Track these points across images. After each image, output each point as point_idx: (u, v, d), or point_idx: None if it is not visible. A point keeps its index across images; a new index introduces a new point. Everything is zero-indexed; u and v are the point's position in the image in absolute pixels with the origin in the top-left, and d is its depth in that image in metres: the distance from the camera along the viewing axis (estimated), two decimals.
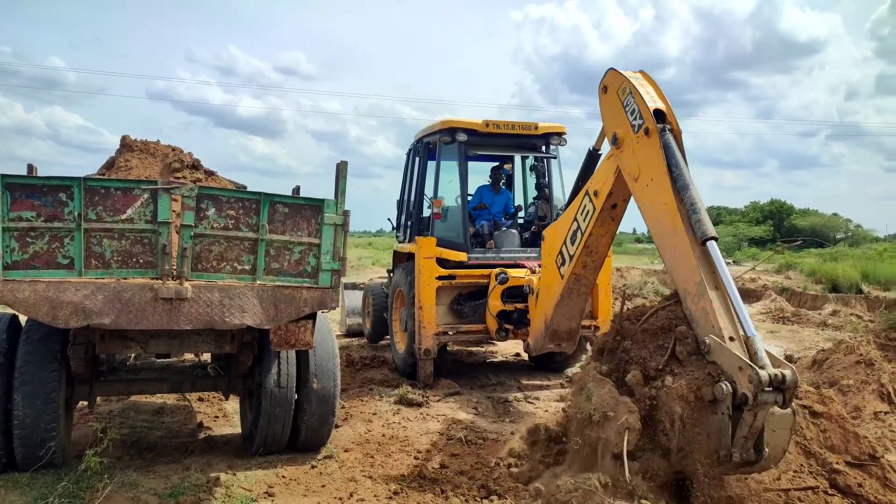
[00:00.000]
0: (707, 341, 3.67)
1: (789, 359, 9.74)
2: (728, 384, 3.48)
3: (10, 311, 4.31)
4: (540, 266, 7.55)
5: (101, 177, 5.08)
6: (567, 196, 8.38)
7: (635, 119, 4.58)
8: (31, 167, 5.22)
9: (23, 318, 4.50)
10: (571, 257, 5.57)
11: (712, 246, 3.92)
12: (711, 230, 3.94)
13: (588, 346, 8.24)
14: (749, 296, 19.76)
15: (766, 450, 3.54)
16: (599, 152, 5.45)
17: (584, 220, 5.33)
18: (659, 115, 4.43)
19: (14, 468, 4.38)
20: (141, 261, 3.98)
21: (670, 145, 4.31)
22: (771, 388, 3.37)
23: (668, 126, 4.39)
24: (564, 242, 5.68)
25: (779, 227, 57.31)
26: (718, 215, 70.59)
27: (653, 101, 4.53)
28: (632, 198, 4.89)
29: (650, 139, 4.41)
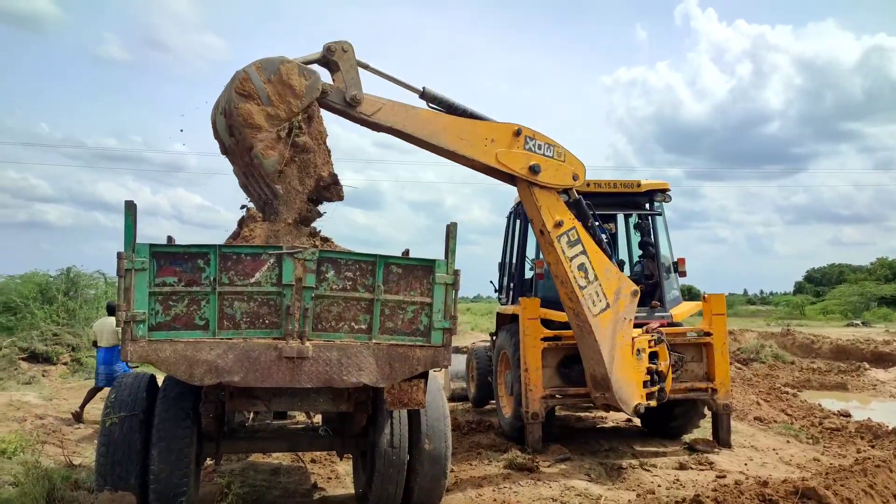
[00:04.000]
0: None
1: None
2: None
3: (150, 370, 4.67)
4: (645, 325, 7.35)
5: (233, 244, 5.47)
6: (675, 255, 8.19)
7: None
8: (170, 238, 5.72)
9: (159, 378, 4.86)
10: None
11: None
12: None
13: (706, 410, 7.81)
14: (884, 360, 18.08)
15: None
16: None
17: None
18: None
19: None
20: (266, 321, 4.23)
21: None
22: None
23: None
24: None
25: None
26: (841, 273, 65.73)
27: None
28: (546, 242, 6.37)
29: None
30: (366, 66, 5.22)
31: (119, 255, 3.97)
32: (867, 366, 17.00)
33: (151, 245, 4.07)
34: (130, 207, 4.01)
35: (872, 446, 8.18)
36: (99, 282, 17.06)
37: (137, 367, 8.63)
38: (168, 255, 4.13)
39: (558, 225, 6.16)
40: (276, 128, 4.63)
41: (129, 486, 4.46)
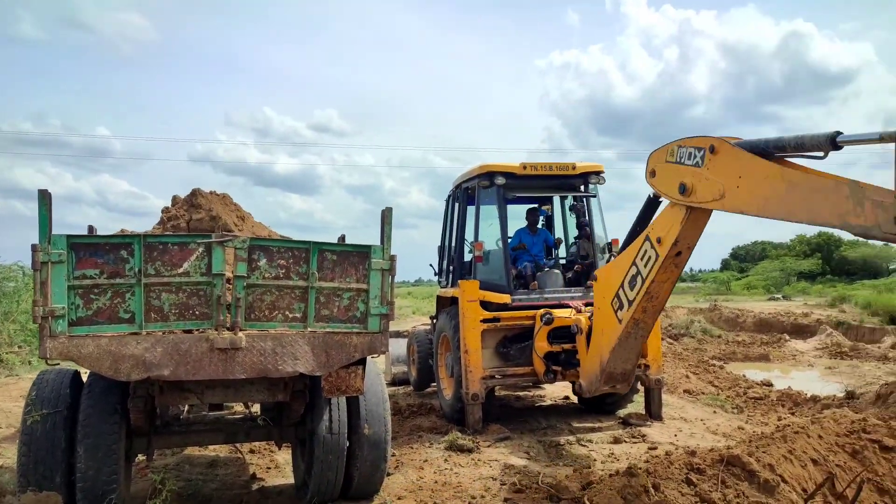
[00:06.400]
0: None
1: (851, 395, 9.34)
2: None
3: (73, 366, 4.46)
4: (586, 305, 7.52)
5: (159, 233, 5.28)
6: (609, 235, 8.37)
7: (694, 158, 4.67)
8: (91, 228, 5.46)
9: (84, 374, 4.65)
10: (631, 302, 5.51)
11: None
12: (827, 133, 3.52)
13: (639, 386, 8.08)
14: (803, 331, 19.15)
15: None
16: (660, 199, 5.42)
17: (646, 266, 5.30)
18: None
19: None
20: (197, 312, 4.10)
21: (743, 141, 4.28)
22: None
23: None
24: (622, 286, 5.62)
25: (828, 260, 55.70)
26: (763, 250, 69.04)
27: (706, 137, 4.62)
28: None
29: (719, 153, 4.41)
30: None
31: (34, 247, 3.76)
32: (787, 337, 17.99)
33: (69, 236, 3.86)
34: (45, 197, 3.79)
35: (793, 413, 8.68)
36: (17, 274, 16.14)
37: None
38: (88, 247, 3.93)
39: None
40: None
41: (54, 485, 4.27)
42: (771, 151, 4.00)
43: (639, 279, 5.40)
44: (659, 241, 5.14)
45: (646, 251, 5.29)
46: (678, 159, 4.86)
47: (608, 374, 6.17)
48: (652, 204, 5.53)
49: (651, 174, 5.23)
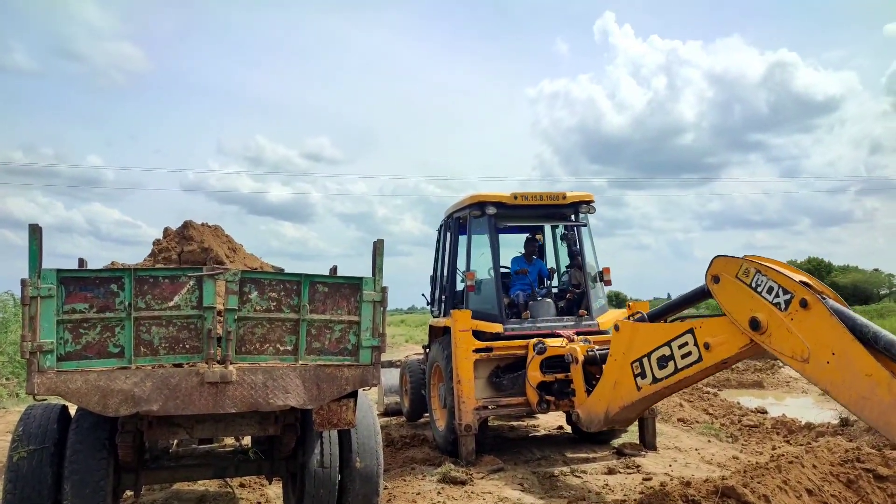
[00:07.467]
0: None
1: (846, 422, 9.31)
2: None
3: (61, 401, 4.41)
4: (577, 334, 7.51)
5: (150, 266, 5.27)
6: (600, 264, 8.40)
7: (776, 296, 4.23)
8: (81, 261, 5.44)
9: (72, 408, 4.60)
10: (656, 380, 5.28)
11: None
12: None
13: None
14: None
15: None
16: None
17: (684, 359, 5.00)
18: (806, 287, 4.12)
19: None
20: (187, 346, 4.08)
21: (842, 310, 3.93)
22: None
23: (824, 295, 4.06)
24: (648, 357, 5.36)
25: None
26: None
27: (795, 274, 4.27)
28: None
29: (811, 311, 4.00)
30: None
31: (23, 281, 3.75)
32: (781, 363, 17.94)
33: (59, 270, 3.86)
34: (35, 231, 3.79)
35: (787, 441, 8.63)
36: (8, 304, 16.02)
37: None
38: (78, 281, 3.92)
39: None
40: None
41: None
42: (880, 349, 3.71)
43: (671, 364, 5.10)
44: (707, 347, 4.79)
45: (687, 344, 4.95)
46: (754, 284, 4.40)
47: (612, 420, 6.13)
48: (706, 293, 5.09)
49: (714, 279, 4.80)
